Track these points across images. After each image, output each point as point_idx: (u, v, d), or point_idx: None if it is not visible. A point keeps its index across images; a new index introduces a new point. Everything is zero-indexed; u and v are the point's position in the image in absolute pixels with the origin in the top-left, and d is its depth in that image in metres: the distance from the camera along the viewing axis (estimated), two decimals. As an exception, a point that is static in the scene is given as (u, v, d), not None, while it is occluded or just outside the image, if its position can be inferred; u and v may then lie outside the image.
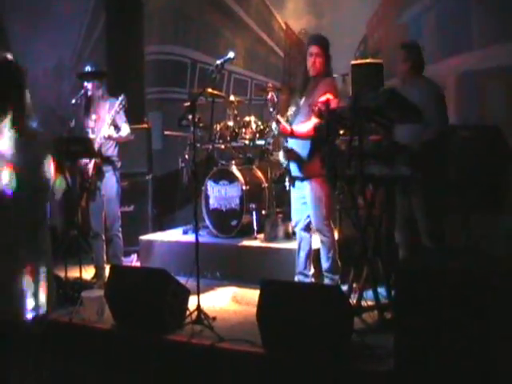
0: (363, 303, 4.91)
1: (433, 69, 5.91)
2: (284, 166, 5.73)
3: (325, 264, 5.67)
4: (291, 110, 5.71)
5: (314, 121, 5.30)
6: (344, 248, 5.89)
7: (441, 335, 3.63)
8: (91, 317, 5.35)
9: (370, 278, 4.89)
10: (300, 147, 5.54)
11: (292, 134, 5.49)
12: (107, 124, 6.22)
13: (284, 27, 8.93)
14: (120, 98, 6.27)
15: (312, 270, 5.83)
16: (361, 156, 4.71)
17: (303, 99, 5.57)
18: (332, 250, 5.63)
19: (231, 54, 5.57)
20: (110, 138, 6.28)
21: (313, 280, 5.79)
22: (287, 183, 5.79)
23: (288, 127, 5.47)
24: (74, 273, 6.14)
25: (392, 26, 7.91)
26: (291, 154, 5.59)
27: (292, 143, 5.61)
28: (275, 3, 8.96)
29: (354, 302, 4.86)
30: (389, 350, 4.04)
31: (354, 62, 7.08)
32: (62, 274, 6.02)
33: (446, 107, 5.33)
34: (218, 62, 5.57)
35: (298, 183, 5.67)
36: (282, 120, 5.51)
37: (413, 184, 5.08)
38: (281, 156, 5.78)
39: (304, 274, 5.78)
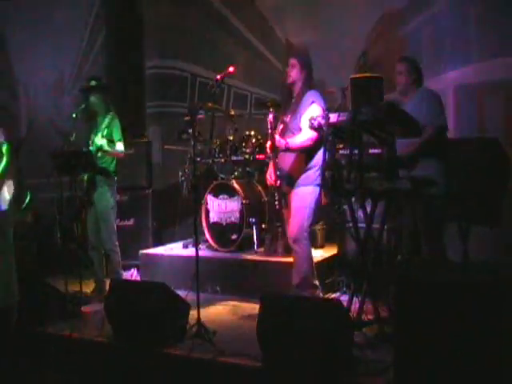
0: (363, 317, 4.91)
1: (432, 82, 5.93)
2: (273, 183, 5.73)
3: (295, 278, 5.56)
4: (279, 129, 5.73)
5: (308, 132, 5.34)
6: (345, 262, 5.89)
7: (441, 348, 3.63)
8: (91, 331, 5.34)
9: (370, 292, 4.89)
10: (290, 159, 5.57)
11: (287, 148, 5.51)
12: (100, 135, 6.27)
13: (284, 41, 8.96)
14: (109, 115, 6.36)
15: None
16: (360, 169, 4.71)
17: (289, 116, 5.62)
18: (305, 265, 5.55)
19: (231, 69, 5.61)
20: (100, 149, 6.31)
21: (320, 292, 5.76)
22: (277, 202, 5.74)
23: (283, 141, 5.49)
24: (73, 287, 6.13)
25: (391, 40, 7.93)
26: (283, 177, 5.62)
27: (282, 156, 5.64)
28: (275, 17, 8.98)
29: (354, 315, 4.85)
30: (388, 364, 4.04)
31: (353, 75, 7.09)
32: (61, 288, 6.02)
33: (441, 106, 5.39)
34: (218, 76, 5.60)
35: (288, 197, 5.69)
36: (276, 136, 5.54)
37: (415, 197, 5.09)
38: (268, 176, 5.81)
39: (314, 286, 5.75)
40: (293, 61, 5.64)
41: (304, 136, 5.42)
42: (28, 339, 5.43)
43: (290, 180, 5.57)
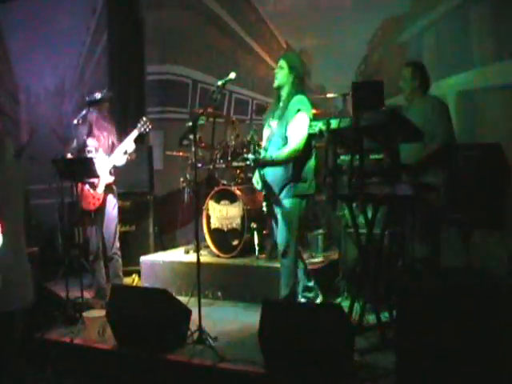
0: (364, 322, 4.90)
1: (433, 87, 5.93)
2: (260, 189, 5.64)
3: (283, 291, 5.45)
4: (265, 134, 5.67)
5: (295, 144, 5.27)
6: (346, 267, 5.88)
7: (442, 354, 3.63)
8: (92, 337, 5.34)
9: (371, 297, 4.89)
10: (275, 170, 5.43)
11: (273, 163, 5.37)
12: (131, 139, 6.36)
13: (285, 46, 8.97)
14: (143, 121, 6.41)
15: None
16: (362, 175, 4.70)
17: (276, 122, 5.50)
18: (292, 279, 5.44)
19: (232, 75, 5.58)
20: (131, 156, 6.47)
21: (318, 292, 5.73)
22: (264, 208, 5.66)
23: (268, 156, 5.37)
24: (75, 292, 6.12)
25: (392, 46, 7.94)
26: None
27: (268, 169, 5.49)
28: (276, 23, 8.99)
29: (355, 320, 4.85)
30: (390, 370, 4.03)
31: (354, 81, 7.09)
32: (63, 294, 6.02)
33: (449, 120, 5.37)
34: (219, 82, 5.58)
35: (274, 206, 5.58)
36: (262, 151, 5.44)
37: (417, 201, 5.09)
38: (255, 182, 5.70)
39: (309, 289, 5.69)
40: (281, 62, 5.49)
41: (290, 148, 5.29)
42: (29, 345, 5.42)
43: (275, 191, 5.45)
